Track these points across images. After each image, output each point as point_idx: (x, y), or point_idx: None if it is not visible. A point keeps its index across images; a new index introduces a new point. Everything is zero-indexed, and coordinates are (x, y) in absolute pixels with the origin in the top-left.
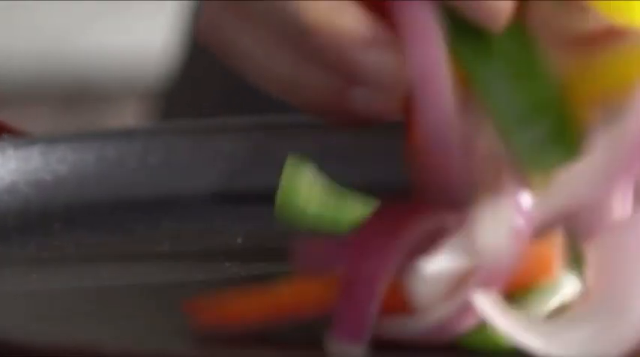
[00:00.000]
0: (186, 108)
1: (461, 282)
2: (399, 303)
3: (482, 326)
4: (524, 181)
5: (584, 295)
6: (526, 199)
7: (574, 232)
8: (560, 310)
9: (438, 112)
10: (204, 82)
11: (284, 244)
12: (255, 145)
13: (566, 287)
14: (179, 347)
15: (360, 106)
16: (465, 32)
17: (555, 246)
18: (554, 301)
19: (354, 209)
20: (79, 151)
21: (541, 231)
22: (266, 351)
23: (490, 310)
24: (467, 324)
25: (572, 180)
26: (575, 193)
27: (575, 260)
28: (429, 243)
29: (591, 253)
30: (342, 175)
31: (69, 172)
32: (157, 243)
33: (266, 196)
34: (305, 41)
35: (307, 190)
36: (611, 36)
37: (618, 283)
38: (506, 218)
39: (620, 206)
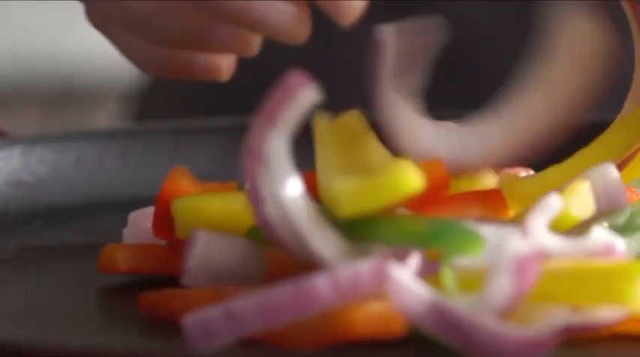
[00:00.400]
0: (165, 109)
1: None
2: None
3: None
4: None
5: None
6: None
7: None
8: None
9: None
10: (183, 84)
11: None
12: (233, 145)
13: None
14: (159, 346)
15: (219, 44)
16: None
17: None
18: None
19: None
20: (59, 152)
21: None
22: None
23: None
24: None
25: None
26: None
27: None
28: None
29: None
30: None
31: (49, 172)
32: None
33: None
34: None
35: None
36: None
37: None
38: None
39: None
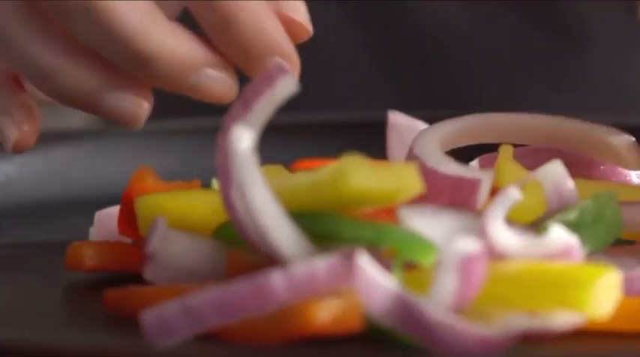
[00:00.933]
0: None
1: None
2: None
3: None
4: None
5: None
6: None
7: None
8: None
9: None
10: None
11: None
12: (199, 146)
13: None
14: (118, 342)
15: (112, 108)
16: None
17: None
18: None
19: None
20: (29, 153)
21: None
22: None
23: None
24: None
25: None
26: None
27: None
28: None
29: None
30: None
31: (18, 172)
32: None
33: None
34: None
35: None
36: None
37: None
38: None
39: None
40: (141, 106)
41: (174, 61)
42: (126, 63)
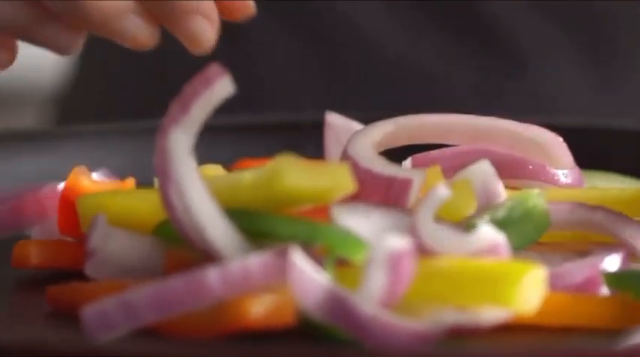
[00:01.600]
0: (84, 113)
1: None
2: None
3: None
4: None
5: None
6: None
7: None
8: None
9: None
10: (99, 88)
11: None
12: (142, 147)
13: None
14: (56, 336)
15: (45, 39)
16: None
17: None
18: None
19: None
20: None
21: None
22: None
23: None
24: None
25: None
26: None
27: None
28: None
29: None
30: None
31: None
32: None
33: None
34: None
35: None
36: None
37: None
38: None
39: None
40: (72, 39)
41: (103, 5)
42: (60, 5)
